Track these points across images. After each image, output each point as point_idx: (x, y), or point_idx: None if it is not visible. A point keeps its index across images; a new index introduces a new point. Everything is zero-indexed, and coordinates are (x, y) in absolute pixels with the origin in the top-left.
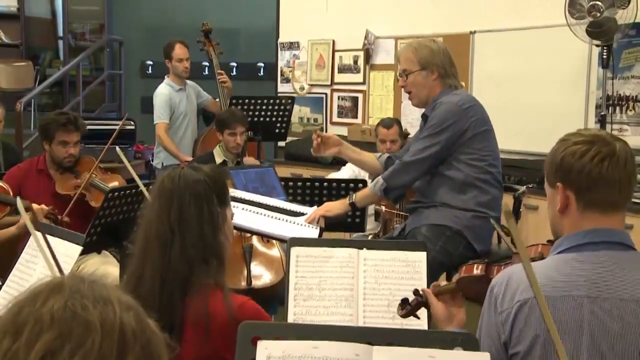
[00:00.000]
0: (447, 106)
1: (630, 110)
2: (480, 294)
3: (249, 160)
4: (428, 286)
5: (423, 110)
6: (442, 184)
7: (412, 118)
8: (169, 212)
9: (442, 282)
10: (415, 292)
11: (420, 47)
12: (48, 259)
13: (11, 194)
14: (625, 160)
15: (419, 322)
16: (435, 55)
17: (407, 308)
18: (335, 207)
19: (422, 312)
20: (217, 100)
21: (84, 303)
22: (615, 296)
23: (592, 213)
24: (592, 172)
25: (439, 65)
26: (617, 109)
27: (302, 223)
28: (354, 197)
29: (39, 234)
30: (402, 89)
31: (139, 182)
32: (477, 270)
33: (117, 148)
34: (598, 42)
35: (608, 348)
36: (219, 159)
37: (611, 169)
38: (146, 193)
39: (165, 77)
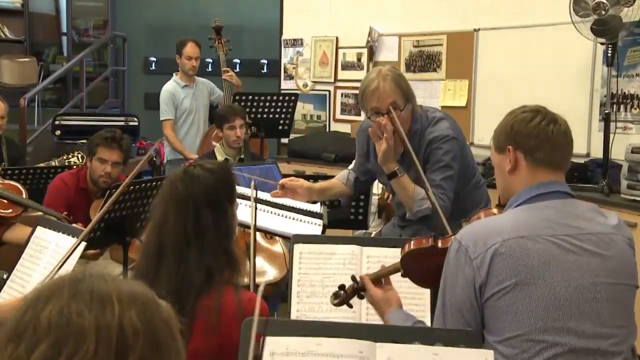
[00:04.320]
0: (448, 143)
1: (635, 108)
2: (424, 270)
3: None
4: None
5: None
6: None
7: None
8: (185, 223)
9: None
10: (353, 278)
11: (399, 77)
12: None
13: (24, 194)
14: (566, 129)
15: (422, 314)
16: (408, 83)
17: (342, 295)
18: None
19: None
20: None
21: (79, 308)
22: (576, 232)
23: (542, 170)
24: (540, 134)
25: (414, 95)
26: (622, 107)
27: (305, 220)
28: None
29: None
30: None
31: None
32: (424, 242)
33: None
34: (603, 40)
35: (580, 276)
36: (220, 157)
37: (556, 132)
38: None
39: (174, 73)
